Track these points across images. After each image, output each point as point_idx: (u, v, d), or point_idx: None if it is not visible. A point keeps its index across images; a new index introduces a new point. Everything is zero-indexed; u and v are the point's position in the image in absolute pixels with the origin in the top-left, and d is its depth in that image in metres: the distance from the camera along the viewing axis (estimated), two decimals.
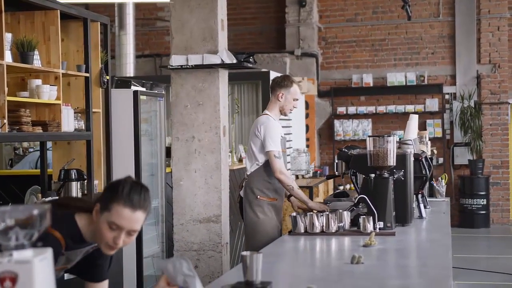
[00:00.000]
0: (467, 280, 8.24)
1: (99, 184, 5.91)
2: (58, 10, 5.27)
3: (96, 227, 2.60)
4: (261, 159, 5.20)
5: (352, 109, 12.90)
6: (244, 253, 2.70)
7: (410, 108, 12.58)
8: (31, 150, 9.22)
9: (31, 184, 6.07)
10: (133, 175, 6.32)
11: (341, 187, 12.32)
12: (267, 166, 5.18)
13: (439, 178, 6.57)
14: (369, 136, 4.48)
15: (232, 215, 6.65)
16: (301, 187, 9.23)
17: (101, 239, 2.60)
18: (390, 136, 4.43)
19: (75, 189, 5.45)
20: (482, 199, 12.25)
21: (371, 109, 12.83)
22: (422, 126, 12.38)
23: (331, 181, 11.23)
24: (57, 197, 5.17)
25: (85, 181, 5.61)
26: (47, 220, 1.77)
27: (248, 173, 5.28)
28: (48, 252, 1.76)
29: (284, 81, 5.34)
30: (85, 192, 5.62)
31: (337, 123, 12.95)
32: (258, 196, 5.20)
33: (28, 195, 5.87)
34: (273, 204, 5.24)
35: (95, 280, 2.92)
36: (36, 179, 5.96)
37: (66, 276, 4.59)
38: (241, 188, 5.40)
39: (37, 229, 1.74)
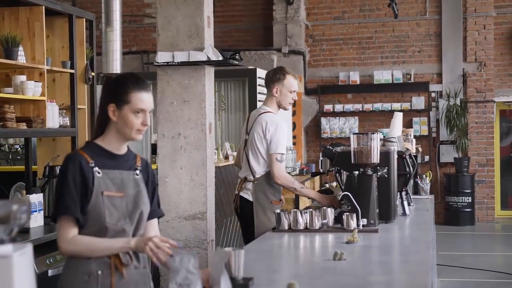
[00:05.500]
0: (452, 277, 8.29)
1: None
2: (43, 6, 5.25)
3: (120, 124, 2.86)
4: None
5: (339, 107, 12.94)
6: (226, 249, 2.72)
7: (396, 106, 12.63)
8: (17, 147, 9.19)
9: (16, 180, 6.05)
10: None
11: (327, 185, 12.36)
12: None
13: (424, 176, 6.60)
14: (353, 134, 4.49)
15: (218, 212, 6.65)
16: None
17: (130, 130, 2.85)
18: (374, 133, 4.44)
19: None
20: (467, 197, 12.32)
21: (357, 107, 12.87)
22: (408, 124, 12.43)
23: (317, 179, 11.25)
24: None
25: None
26: (27, 215, 1.78)
27: (257, 176, 5.05)
28: (28, 248, 1.76)
29: (276, 75, 5.10)
30: None
31: (324, 120, 12.98)
32: (272, 201, 5.04)
33: (12, 191, 5.85)
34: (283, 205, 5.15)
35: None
36: (21, 175, 5.95)
37: (50, 272, 4.59)
38: (239, 190, 5.17)
39: (16, 224, 1.75)
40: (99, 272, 2.78)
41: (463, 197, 12.31)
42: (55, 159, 5.62)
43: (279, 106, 5.18)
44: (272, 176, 4.93)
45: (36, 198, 4.94)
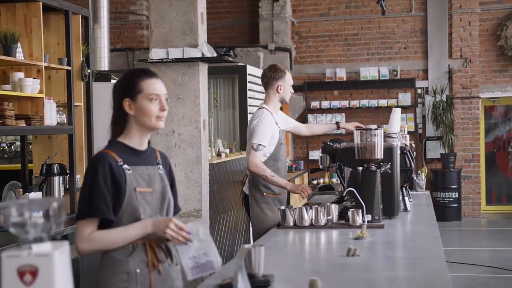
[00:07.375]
0: None
1: (81, 179, 5.83)
2: (40, 2, 5.18)
3: (139, 115, 2.84)
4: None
5: (325, 104, 12.95)
6: (247, 246, 2.70)
7: (383, 102, 12.67)
8: (4, 145, 9.08)
9: (9, 179, 5.97)
10: None
11: (315, 181, 12.38)
12: (270, 161, 5.13)
13: (419, 172, 6.62)
14: (356, 129, 4.49)
15: (211, 210, 6.63)
16: None
17: (149, 118, 2.84)
18: (377, 129, 4.44)
19: (57, 184, 5.38)
20: (454, 193, 12.39)
21: (344, 103, 12.88)
22: None
23: (306, 175, 11.27)
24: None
25: (67, 175, 5.54)
26: (65, 213, 1.75)
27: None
28: (66, 245, 1.74)
29: (278, 73, 5.30)
30: (67, 186, 5.55)
31: (310, 117, 12.98)
32: (264, 193, 5.16)
33: (6, 190, 5.77)
34: (279, 199, 5.22)
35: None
36: (16, 174, 5.88)
37: None
38: (243, 185, 5.34)
39: (55, 222, 1.72)
40: (138, 270, 2.76)
41: (449, 193, 12.37)
42: (52, 157, 5.56)
43: (282, 101, 5.35)
44: (247, 163, 5.08)
45: (35, 197, 4.87)
